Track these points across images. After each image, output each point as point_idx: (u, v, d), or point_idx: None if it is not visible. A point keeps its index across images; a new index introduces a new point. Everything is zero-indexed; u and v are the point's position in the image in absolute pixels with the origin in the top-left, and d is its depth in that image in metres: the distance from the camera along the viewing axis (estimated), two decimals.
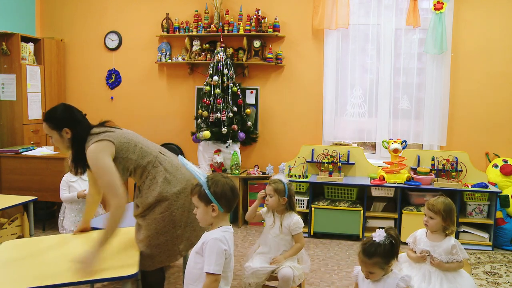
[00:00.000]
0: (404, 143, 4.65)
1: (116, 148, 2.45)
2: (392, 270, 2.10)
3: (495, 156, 4.82)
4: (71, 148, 2.49)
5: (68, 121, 2.47)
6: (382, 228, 2.09)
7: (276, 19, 5.14)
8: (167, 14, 5.43)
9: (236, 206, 5.13)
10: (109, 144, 2.43)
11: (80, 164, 2.50)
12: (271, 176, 3.24)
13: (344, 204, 4.66)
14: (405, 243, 2.73)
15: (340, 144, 5.11)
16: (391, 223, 4.56)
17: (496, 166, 4.68)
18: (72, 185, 3.79)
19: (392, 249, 2.04)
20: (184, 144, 5.58)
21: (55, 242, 2.68)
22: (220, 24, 5.21)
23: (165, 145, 5.62)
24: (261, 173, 4.96)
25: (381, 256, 2.02)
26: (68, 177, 3.77)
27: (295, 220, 2.94)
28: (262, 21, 5.09)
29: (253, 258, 2.97)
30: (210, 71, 4.96)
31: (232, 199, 2.01)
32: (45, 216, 4.80)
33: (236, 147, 5.07)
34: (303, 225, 3.01)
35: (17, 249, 2.58)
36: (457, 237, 4.41)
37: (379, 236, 2.05)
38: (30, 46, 5.29)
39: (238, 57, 5.23)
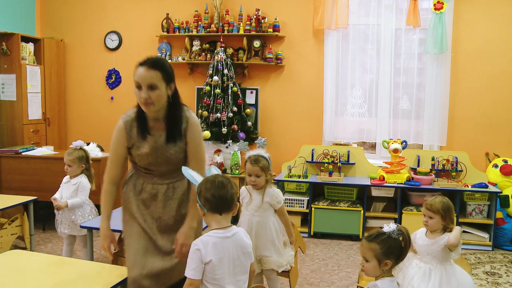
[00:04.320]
0: (404, 143, 4.65)
1: None
2: (392, 276, 1.93)
3: (495, 156, 4.82)
4: (168, 109, 2.21)
5: (174, 77, 2.24)
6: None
7: (276, 19, 5.14)
8: (167, 14, 5.43)
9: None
10: None
11: (176, 132, 2.21)
12: (244, 153, 2.97)
13: (344, 204, 4.66)
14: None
15: (340, 144, 5.11)
16: None
17: (496, 166, 4.68)
18: (63, 187, 3.52)
19: (396, 245, 1.89)
20: None
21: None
22: (220, 24, 5.21)
23: None
24: None
25: (380, 244, 1.88)
26: (65, 178, 3.52)
27: (275, 193, 2.81)
28: (262, 21, 5.09)
29: None
30: (210, 71, 4.96)
31: (211, 199, 1.89)
32: (45, 216, 4.80)
33: (236, 147, 5.07)
34: (282, 200, 2.88)
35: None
36: None
37: (389, 228, 1.93)
38: (30, 46, 5.29)
39: (238, 57, 5.23)
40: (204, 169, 2.20)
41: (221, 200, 1.90)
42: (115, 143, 2.26)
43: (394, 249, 1.89)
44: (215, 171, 2.07)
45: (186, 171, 2.04)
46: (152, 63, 2.12)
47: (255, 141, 3.03)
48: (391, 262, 1.90)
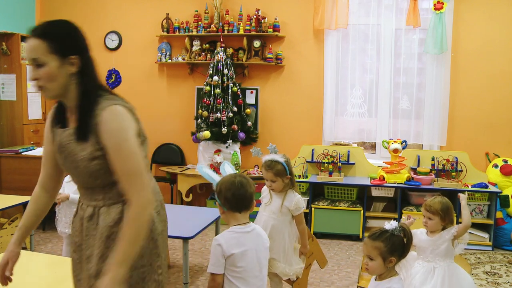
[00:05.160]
0: (404, 143, 4.65)
1: (136, 130, 1.61)
2: (397, 274, 1.97)
3: (495, 156, 4.82)
4: (77, 94, 1.59)
5: (81, 47, 1.64)
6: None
7: (276, 19, 5.14)
8: (167, 14, 5.42)
9: None
10: (134, 119, 1.62)
11: (84, 127, 1.54)
12: (260, 158, 2.95)
13: (344, 204, 4.66)
14: None
15: (340, 144, 5.11)
16: None
17: (496, 166, 4.68)
18: (65, 186, 3.45)
19: (399, 242, 1.93)
20: (184, 144, 5.58)
21: None
22: (220, 24, 5.20)
23: (165, 145, 5.62)
24: (260, 173, 4.96)
25: (385, 242, 1.91)
26: (66, 177, 3.54)
27: (296, 199, 2.75)
28: (262, 21, 5.09)
29: None
30: (210, 71, 4.96)
31: (231, 198, 1.97)
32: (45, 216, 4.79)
33: (236, 147, 5.07)
34: (304, 206, 2.84)
35: None
36: None
37: (390, 226, 1.97)
38: None
39: (238, 57, 5.22)
40: (139, 181, 1.51)
41: (240, 199, 1.98)
42: (44, 137, 1.75)
43: (397, 246, 1.93)
44: (229, 168, 2.13)
45: (201, 169, 2.09)
46: (37, 31, 1.52)
47: (267, 147, 3.01)
48: (395, 259, 1.94)
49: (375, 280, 2.02)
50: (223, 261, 1.93)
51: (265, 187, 2.89)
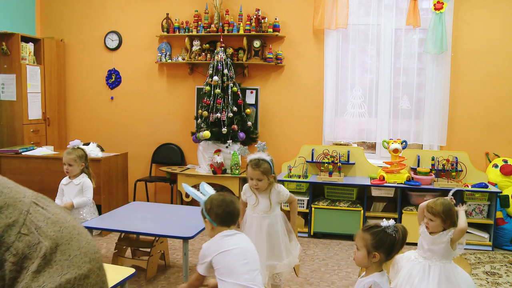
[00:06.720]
0: (404, 143, 4.64)
1: None
2: (382, 270, 1.99)
3: (495, 156, 4.82)
4: None
5: None
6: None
7: (276, 19, 5.14)
8: (167, 14, 5.42)
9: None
10: None
11: None
12: (245, 157, 2.95)
13: (344, 204, 4.66)
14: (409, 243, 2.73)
15: (340, 144, 5.11)
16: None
17: (496, 166, 4.68)
18: (64, 189, 3.46)
19: (389, 240, 1.94)
20: (184, 144, 5.58)
21: None
22: (220, 24, 5.20)
23: (165, 145, 5.62)
24: None
25: (372, 236, 1.96)
26: (63, 180, 3.48)
27: (281, 190, 2.85)
28: (262, 21, 5.09)
29: None
30: (210, 71, 4.96)
31: (222, 214, 2.15)
32: None
33: (236, 147, 5.07)
34: (287, 191, 2.94)
35: None
36: None
37: (386, 223, 2.00)
38: (30, 46, 5.29)
39: (238, 57, 5.22)
40: None
41: (230, 215, 2.18)
42: None
43: (384, 243, 1.96)
44: (208, 187, 2.28)
45: (188, 188, 2.25)
46: None
47: (255, 145, 3.02)
48: (380, 256, 1.96)
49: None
50: (206, 264, 2.10)
51: (246, 186, 2.88)
